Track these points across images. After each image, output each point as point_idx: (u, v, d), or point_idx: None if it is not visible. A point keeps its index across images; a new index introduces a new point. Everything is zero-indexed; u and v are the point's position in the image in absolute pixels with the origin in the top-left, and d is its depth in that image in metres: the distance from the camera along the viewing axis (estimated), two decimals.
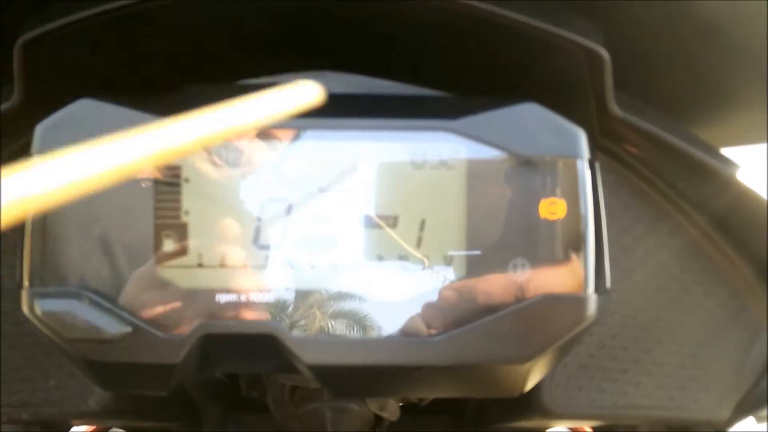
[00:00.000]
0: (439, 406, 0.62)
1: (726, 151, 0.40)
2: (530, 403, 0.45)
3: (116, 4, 0.34)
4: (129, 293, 0.35)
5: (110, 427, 0.61)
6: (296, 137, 0.35)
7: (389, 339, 0.35)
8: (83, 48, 0.37)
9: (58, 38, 0.34)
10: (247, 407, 0.66)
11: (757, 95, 0.40)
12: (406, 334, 0.35)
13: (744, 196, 0.37)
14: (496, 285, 0.35)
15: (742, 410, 0.43)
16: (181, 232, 0.35)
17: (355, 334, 0.35)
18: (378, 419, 0.58)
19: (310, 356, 0.35)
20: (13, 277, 0.38)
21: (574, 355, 0.43)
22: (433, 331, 0.35)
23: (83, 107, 0.34)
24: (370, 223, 0.36)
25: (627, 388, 0.43)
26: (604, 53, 0.34)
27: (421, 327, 0.35)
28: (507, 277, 0.35)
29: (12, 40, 0.35)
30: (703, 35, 0.37)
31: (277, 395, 0.57)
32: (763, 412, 0.45)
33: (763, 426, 0.46)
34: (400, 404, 0.59)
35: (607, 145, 0.41)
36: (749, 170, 0.38)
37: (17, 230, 0.35)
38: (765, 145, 0.44)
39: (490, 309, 0.35)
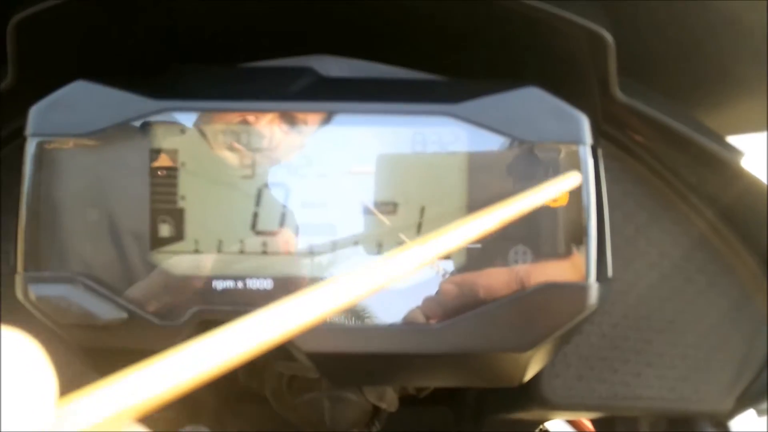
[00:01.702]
0: (437, 398, 0.62)
1: (733, 140, 0.40)
2: (529, 394, 0.45)
3: None
4: (125, 279, 0.35)
5: None
6: (294, 122, 0.35)
7: (388, 327, 0.35)
8: (78, 28, 0.37)
9: (52, 18, 0.34)
10: (245, 398, 0.66)
11: (763, 82, 0.40)
12: (407, 321, 0.35)
13: (749, 185, 0.37)
14: (496, 273, 0.35)
15: (743, 402, 0.43)
16: (178, 217, 0.35)
17: (352, 322, 0.35)
18: (376, 410, 0.58)
19: (308, 344, 0.35)
20: (8, 262, 0.38)
21: (575, 344, 0.43)
22: (432, 321, 0.35)
23: (78, 89, 0.34)
24: (368, 210, 0.35)
25: (628, 378, 0.43)
26: (608, 36, 0.34)
27: (420, 316, 0.35)
28: (508, 266, 0.35)
29: (5, 20, 0.34)
30: (709, 22, 0.37)
31: (275, 385, 0.57)
32: (764, 405, 0.44)
33: (763, 420, 0.46)
34: (399, 395, 0.59)
35: (611, 132, 0.41)
36: (754, 159, 0.38)
37: (13, 215, 0.35)
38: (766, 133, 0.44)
39: (490, 297, 0.35)
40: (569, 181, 0.33)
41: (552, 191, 0.31)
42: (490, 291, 0.35)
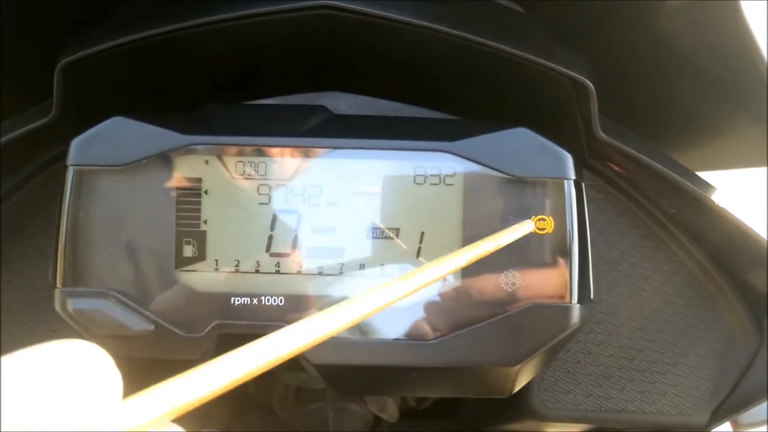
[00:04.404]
0: (437, 410, 0.65)
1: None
2: (521, 407, 0.47)
3: (152, 32, 0.36)
4: (152, 294, 0.38)
5: None
6: (307, 155, 0.38)
7: (389, 341, 0.38)
8: (115, 70, 0.40)
9: (94, 62, 0.37)
10: (252, 407, 0.68)
11: (729, 124, 0.43)
12: (406, 337, 0.38)
13: (720, 215, 0.40)
14: (488, 294, 0.38)
15: (719, 416, 0.46)
16: (200, 239, 0.38)
17: (358, 336, 0.38)
18: (377, 420, 0.61)
19: (316, 356, 0.38)
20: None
21: (563, 361, 0.46)
22: (431, 336, 0.38)
23: (115, 125, 0.37)
24: (373, 235, 0.39)
25: (611, 392, 0.46)
26: (589, 84, 0.37)
27: (421, 332, 0.38)
28: (499, 288, 0.38)
29: (46, 61, 0.37)
30: (678, 68, 0.40)
31: (283, 395, 0.60)
32: (740, 418, 0.47)
33: None
34: (399, 407, 0.61)
35: (596, 166, 0.44)
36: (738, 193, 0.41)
37: (51, 233, 0.38)
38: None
39: (482, 315, 0.38)
40: (524, 228, 0.36)
41: (509, 237, 0.35)
42: (481, 308, 0.38)
